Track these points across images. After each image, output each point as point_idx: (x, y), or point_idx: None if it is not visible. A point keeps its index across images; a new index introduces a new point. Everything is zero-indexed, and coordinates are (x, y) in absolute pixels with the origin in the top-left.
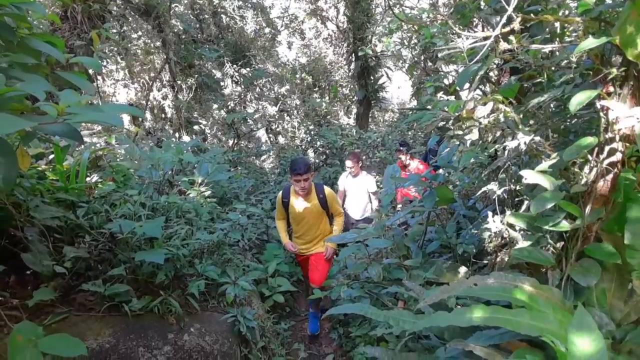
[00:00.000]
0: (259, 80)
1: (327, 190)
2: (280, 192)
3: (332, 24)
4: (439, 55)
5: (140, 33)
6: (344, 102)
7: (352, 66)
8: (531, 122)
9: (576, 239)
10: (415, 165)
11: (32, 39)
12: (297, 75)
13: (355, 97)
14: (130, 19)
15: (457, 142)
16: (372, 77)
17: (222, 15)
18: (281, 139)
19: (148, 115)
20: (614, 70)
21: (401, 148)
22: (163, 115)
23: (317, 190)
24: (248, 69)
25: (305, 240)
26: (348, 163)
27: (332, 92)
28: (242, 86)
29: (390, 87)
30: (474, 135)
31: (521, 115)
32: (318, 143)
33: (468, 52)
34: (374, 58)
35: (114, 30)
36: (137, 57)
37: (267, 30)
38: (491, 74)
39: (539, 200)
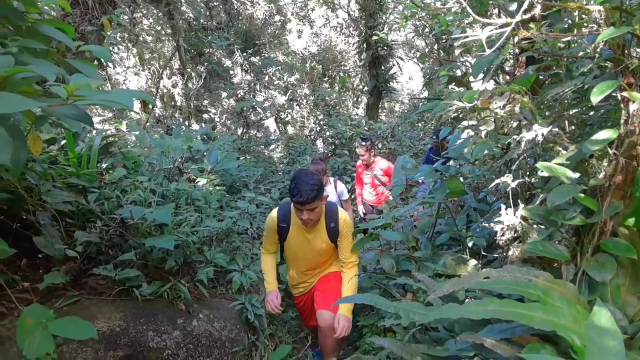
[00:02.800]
0: (269, 69)
1: (343, 217)
2: (276, 211)
3: (344, 11)
4: (455, 44)
5: (151, 20)
6: (354, 92)
7: (363, 55)
8: (547, 113)
9: (592, 233)
10: (385, 165)
11: (42, 24)
12: (307, 65)
13: (365, 87)
14: (141, 5)
15: (472, 133)
16: (383, 67)
17: (233, 1)
18: (290, 129)
19: (158, 103)
20: (636, 61)
21: (363, 143)
22: (173, 104)
23: (327, 214)
24: (258, 58)
25: (304, 280)
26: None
27: (340, 82)
28: (252, 75)
29: (401, 77)
30: (490, 125)
31: (542, 107)
32: (327, 133)
33: (485, 40)
34: (385, 47)
35: (125, 17)
36: (147, 45)
37: (277, 17)
38: (506, 64)
39: (555, 194)
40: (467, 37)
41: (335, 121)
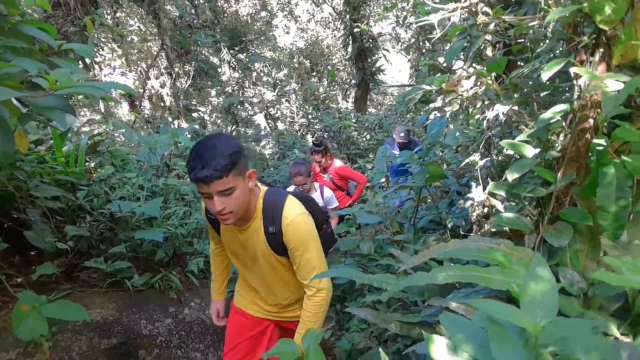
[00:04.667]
0: (257, 66)
1: (290, 217)
2: None
3: (328, 5)
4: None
5: (136, 20)
6: (342, 86)
7: (349, 49)
8: (516, 95)
9: (551, 203)
10: (338, 165)
11: (24, 25)
12: (295, 60)
13: (352, 81)
14: (124, 5)
15: (439, 115)
16: (369, 60)
17: None
18: (280, 125)
19: (147, 104)
20: (585, 38)
21: (316, 148)
22: (162, 104)
23: (265, 212)
24: (245, 54)
25: (264, 301)
26: (298, 178)
27: (329, 75)
28: (240, 72)
29: (391, 70)
30: (455, 107)
31: (507, 89)
32: (316, 127)
33: (459, 28)
34: (370, 40)
35: (108, 17)
36: (133, 45)
37: (263, 13)
38: (489, 51)
39: (514, 168)
40: (422, 21)
41: (324, 115)
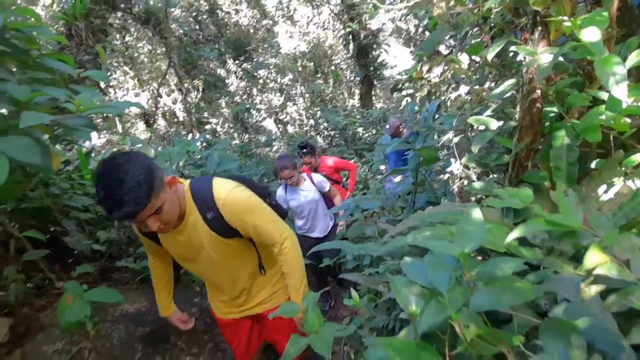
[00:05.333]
0: (262, 73)
1: (221, 195)
2: None
3: (327, 7)
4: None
5: (144, 42)
6: (347, 84)
7: (350, 47)
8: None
9: (515, 169)
10: (331, 161)
11: (45, 58)
12: (298, 64)
13: (356, 78)
14: (133, 29)
15: (409, 100)
16: (370, 56)
17: (217, 11)
18: (290, 128)
19: (161, 121)
20: (523, 20)
21: (304, 151)
22: (175, 119)
23: (197, 202)
24: (250, 64)
25: (231, 296)
26: (284, 172)
27: (333, 75)
28: (246, 81)
29: (398, 64)
30: (424, 92)
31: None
32: (322, 126)
33: (435, 21)
34: (370, 36)
35: (118, 42)
36: (144, 65)
37: (264, 22)
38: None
39: (477, 139)
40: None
41: (330, 114)
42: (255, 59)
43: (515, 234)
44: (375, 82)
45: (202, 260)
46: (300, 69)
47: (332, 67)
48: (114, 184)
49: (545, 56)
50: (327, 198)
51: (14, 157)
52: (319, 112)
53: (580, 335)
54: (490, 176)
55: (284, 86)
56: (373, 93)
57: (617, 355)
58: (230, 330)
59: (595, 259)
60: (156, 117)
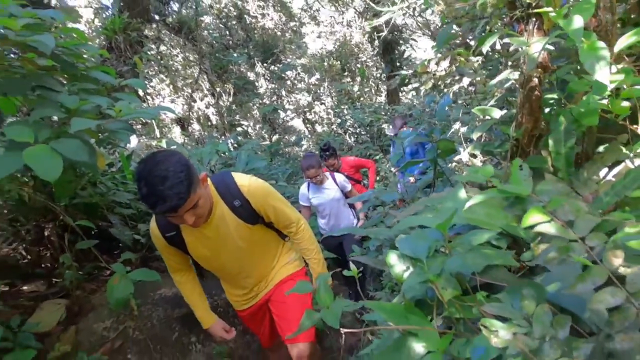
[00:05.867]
0: (290, 74)
1: (244, 184)
2: (154, 220)
3: (351, 7)
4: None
5: (178, 50)
6: (375, 81)
7: (376, 43)
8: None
9: (518, 155)
10: (351, 161)
11: (91, 70)
12: (325, 63)
13: (383, 74)
14: (167, 38)
15: (414, 94)
16: (396, 52)
17: (245, 16)
18: (318, 127)
19: (196, 125)
20: (517, 12)
21: (327, 153)
22: (209, 123)
23: (222, 194)
24: (278, 66)
25: (244, 289)
26: (310, 172)
27: (360, 73)
28: (274, 82)
29: (423, 57)
30: (428, 85)
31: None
32: (347, 123)
33: (444, 17)
34: (395, 32)
35: (153, 52)
36: (178, 72)
37: (291, 24)
38: None
39: (479, 128)
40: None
41: (355, 112)
42: (282, 61)
43: (472, 201)
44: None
45: (229, 251)
46: (327, 68)
47: (359, 65)
48: (156, 181)
49: (536, 46)
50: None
51: (66, 156)
52: (345, 110)
53: (533, 290)
54: (494, 163)
55: (311, 86)
56: (401, 89)
57: (582, 314)
58: (250, 319)
59: (534, 219)
60: (191, 121)
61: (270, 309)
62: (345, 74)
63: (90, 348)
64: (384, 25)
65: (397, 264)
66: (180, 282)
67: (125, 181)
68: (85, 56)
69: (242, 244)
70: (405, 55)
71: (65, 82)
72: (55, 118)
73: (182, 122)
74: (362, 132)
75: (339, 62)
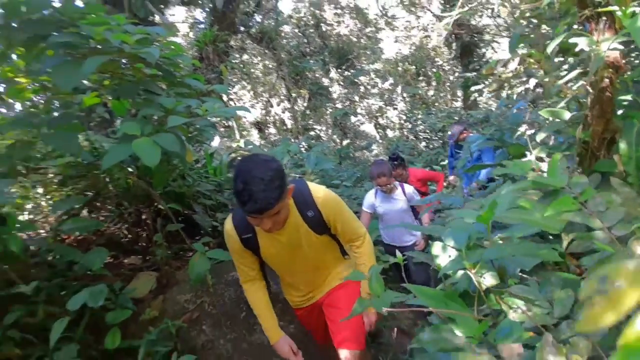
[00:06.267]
0: (363, 79)
1: (319, 195)
2: (230, 221)
3: (428, 11)
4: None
5: (259, 58)
6: (451, 86)
7: (454, 47)
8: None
9: (588, 158)
10: (419, 174)
11: (185, 77)
12: (399, 68)
13: (460, 79)
14: (249, 47)
15: (476, 95)
16: (474, 55)
17: (322, 24)
18: (390, 132)
19: (272, 129)
20: (587, 12)
21: (395, 162)
22: (284, 127)
23: (298, 203)
24: (352, 71)
25: (302, 291)
26: (382, 179)
27: (435, 77)
28: (348, 87)
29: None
30: (492, 87)
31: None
32: (418, 128)
33: (518, 19)
34: (474, 35)
35: (237, 60)
36: (258, 79)
37: (366, 30)
38: None
39: (544, 129)
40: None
41: (427, 116)
42: (356, 66)
43: (505, 189)
44: (479, 82)
45: (297, 257)
46: (401, 72)
47: (434, 69)
48: (254, 181)
49: (604, 45)
50: (415, 211)
51: (164, 147)
52: (419, 115)
53: (562, 280)
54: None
55: (384, 91)
56: (478, 94)
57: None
58: (305, 317)
59: (562, 207)
60: (268, 125)
61: (324, 312)
62: (420, 78)
63: (173, 316)
64: (452, 25)
65: (441, 255)
66: (252, 289)
67: (207, 175)
68: (180, 65)
69: (308, 252)
70: (486, 57)
71: (164, 87)
72: (153, 117)
73: (260, 126)
74: (434, 138)
75: (414, 67)
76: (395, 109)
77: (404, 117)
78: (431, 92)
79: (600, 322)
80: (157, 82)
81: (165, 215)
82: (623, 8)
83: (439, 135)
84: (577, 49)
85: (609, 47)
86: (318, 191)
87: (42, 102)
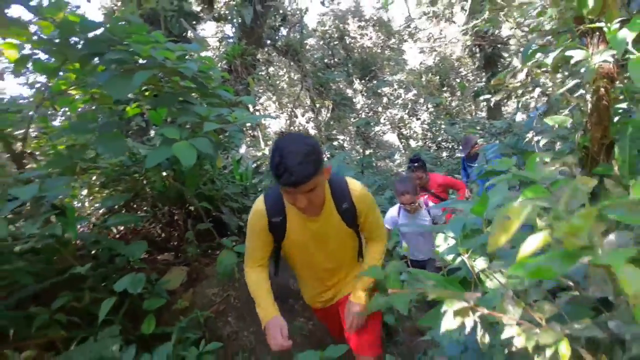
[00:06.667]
0: (386, 90)
1: (357, 189)
2: (262, 201)
3: (452, 23)
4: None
5: (284, 70)
6: (476, 95)
7: (478, 57)
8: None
9: (589, 163)
10: (440, 179)
11: (216, 89)
12: (423, 78)
13: (484, 89)
14: (275, 60)
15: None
16: (498, 65)
17: (346, 37)
18: (412, 142)
19: None
20: (582, 27)
21: (415, 164)
22: None
23: (335, 192)
24: (375, 82)
25: (321, 289)
26: (405, 198)
27: (459, 88)
28: (371, 98)
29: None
30: (499, 96)
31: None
32: (440, 138)
33: (533, 28)
34: (497, 45)
35: (263, 72)
36: (283, 90)
37: (390, 41)
38: None
39: (545, 135)
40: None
41: (448, 126)
42: (380, 77)
43: (492, 182)
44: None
45: (321, 251)
46: (424, 83)
47: (458, 80)
48: (291, 155)
49: (596, 57)
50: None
51: (199, 150)
52: (442, 125)
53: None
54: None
55: (407, 101)
56: (502, 103)
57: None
58: (323, 317)
59: (533, 194)
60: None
61: (340, 315)
62: (445, 88)
63: (202, 307)
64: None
65: (442, 244)
66: (254, 272)
67: (234, 180)
68: (212, 78)
69: (333, 245)
70: (509, 68)
71: (197, 97)
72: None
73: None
74: (456, 147)
75: (438, 77)
76: (419, 119)
77: (427, 127)
78: (454, 103)
79: (498, 243)
80: (192, 93)
81: (195, 216)
82: (609, 25)
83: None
84: (572, 62)
85: (600, 59)
86: (355, 185)
87: (89, 111)
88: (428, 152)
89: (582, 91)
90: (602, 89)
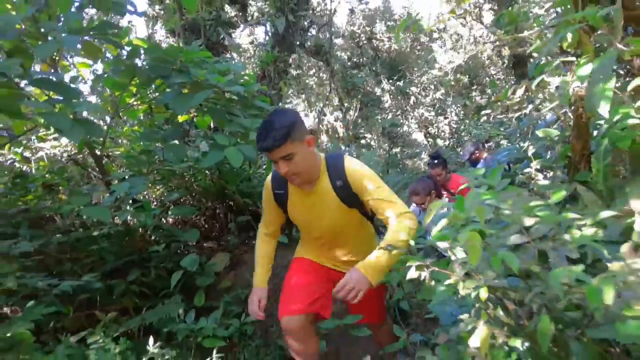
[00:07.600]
0: (414, 89)
1: (351, 166)
2: (270, 176)
3: (479, 22)
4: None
5: (314, 70)
6: (478, 114)
7: (506, 57)
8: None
9: (572, 170)
10: (458, 177)
11: (254, 99)
12: (451, 77)
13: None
14: (305, 60)
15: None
16: (527, 65)
17: (374, 39)
18: (439, 142)
19: (324, 137)
20: (561, 58)
21: (434, 161)
22: (336, 135)
23: (330, 170)
24: (402, 82)
25: (325, 258)
26: (415, 198)
27: (490, 86)
28: (399, 98)
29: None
30: (497, 110)
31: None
32: (466, 138)
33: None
34: (525, 44)
35: (294, 74)
36: (312, 90)
37: (418, 43)
38: None
39: (533, 145)
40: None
41: (472, 126)
42: (408, 77)
43: (464, 186)
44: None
45: (324, 223)
46: (453, 82)
47: (488, 79)
48: (267, 125)
49: (574, 84)
50: None
51: (245, 154)
52: (470, 125)
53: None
54: (557, 176)
55: (435, 100)
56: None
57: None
58: (311, 266)
59: (483, 196)
60: (320, 133)
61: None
62: (474, 87)
63: (242, 287)
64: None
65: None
66: (263, 239)
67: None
68: (252, 91)
69: (337, 222)
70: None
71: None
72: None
73: (313, 134)
74: (479, 147)
75: (467, 77)
76: (447, 118)
77: (454, 127)
78: (483, 102)
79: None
80: (234, 104)
81: (235, 210)
82: (579, 59)
83: (486, 146)
84: (551, 87)
85: (576, 84)
86: (351, 162)
87: (148, 120)
88: (451, 153)
89: (565, 110)
90: (581, 109)
